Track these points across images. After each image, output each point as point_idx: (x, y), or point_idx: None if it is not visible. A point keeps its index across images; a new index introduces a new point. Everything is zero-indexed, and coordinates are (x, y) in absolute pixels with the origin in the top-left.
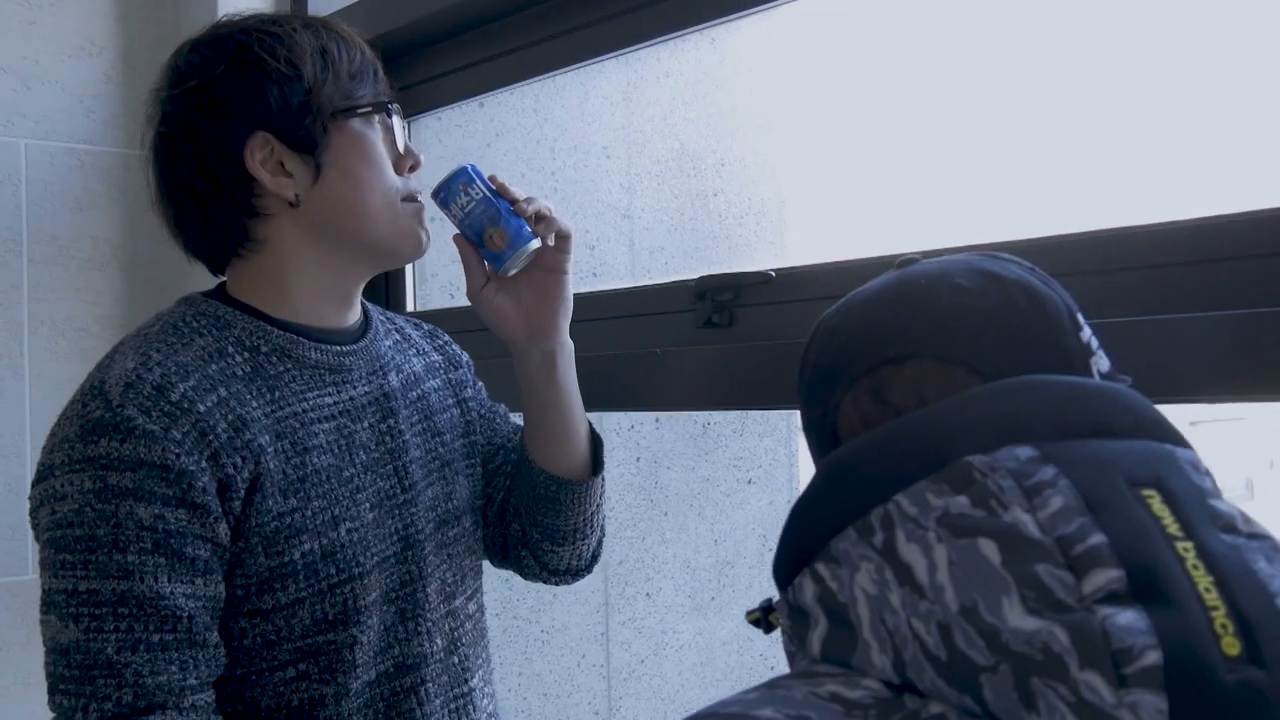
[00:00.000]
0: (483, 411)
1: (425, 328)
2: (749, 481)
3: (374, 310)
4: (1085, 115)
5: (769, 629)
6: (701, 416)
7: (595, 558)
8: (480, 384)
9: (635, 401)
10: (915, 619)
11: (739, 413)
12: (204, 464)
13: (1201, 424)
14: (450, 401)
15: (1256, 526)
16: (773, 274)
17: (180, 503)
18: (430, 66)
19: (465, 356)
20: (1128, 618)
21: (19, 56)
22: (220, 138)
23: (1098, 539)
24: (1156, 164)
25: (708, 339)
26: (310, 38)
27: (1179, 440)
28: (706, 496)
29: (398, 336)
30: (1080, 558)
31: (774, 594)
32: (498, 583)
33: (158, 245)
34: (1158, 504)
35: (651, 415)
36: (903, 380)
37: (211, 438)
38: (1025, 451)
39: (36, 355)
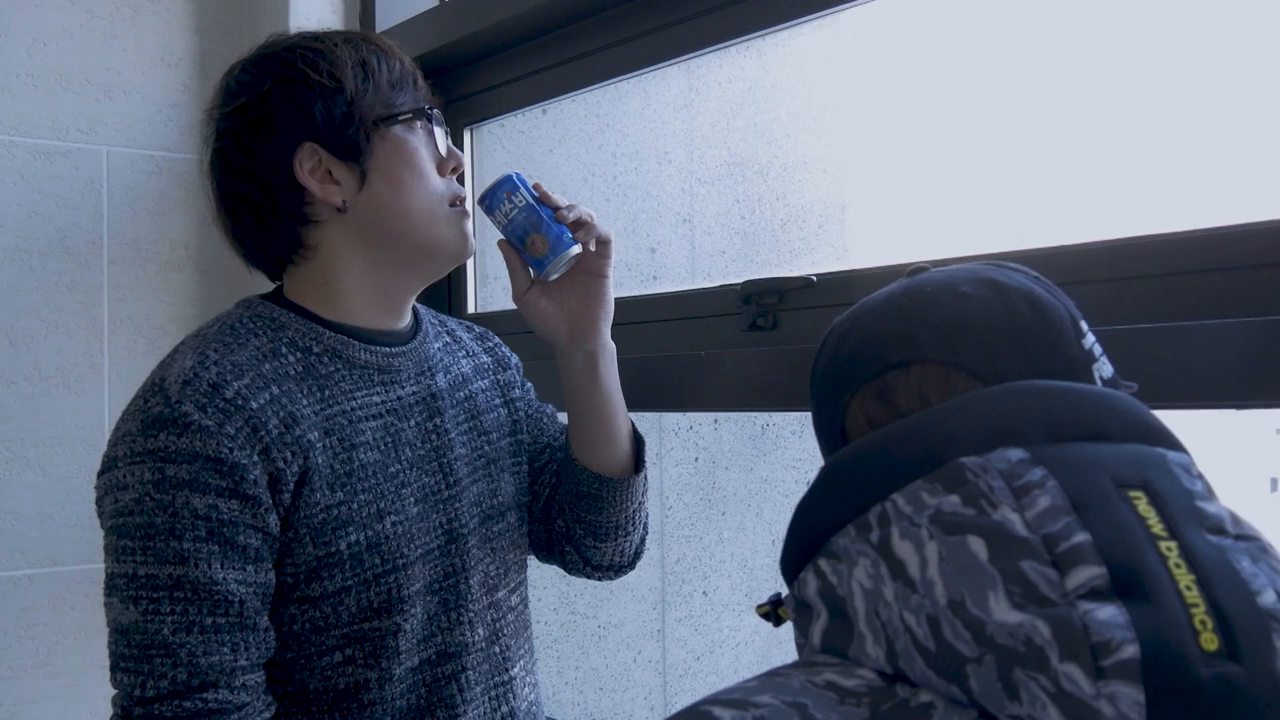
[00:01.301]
0: (530, 411)
1: (476, 330)
2: (808, 484)
3: (425, 313)
4: (1100, 124)
5: (778, 622)
6: (760, 418)
7: (638, 554)
8: (529, 385)
9: (682, 402)
10: (907, 612)
11: (798, 415)
12: (255, 458)
13: None
14: (498, 401)
15: (1245, 528)
16: (814, 278)
17: (233, 494)
18: (494, 75)
19: (515, 358)
20: (1108, 613)
21: (102, 68)
22: (270, 150)
23: (1082, 537)
24: (1179, 174)
25: (753, 341)
26: (350, 51)
27: (1173, 444)
28: (765, 497)
29: (448, 339)
30: (1064, 555)
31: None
32: (555, 579)
33: (229, 249)
34: (1143, 505)
35: (710, 416)
36: (907, 384)
37: (263, 433)
38: (1016, 453)
39: (116, 353)
